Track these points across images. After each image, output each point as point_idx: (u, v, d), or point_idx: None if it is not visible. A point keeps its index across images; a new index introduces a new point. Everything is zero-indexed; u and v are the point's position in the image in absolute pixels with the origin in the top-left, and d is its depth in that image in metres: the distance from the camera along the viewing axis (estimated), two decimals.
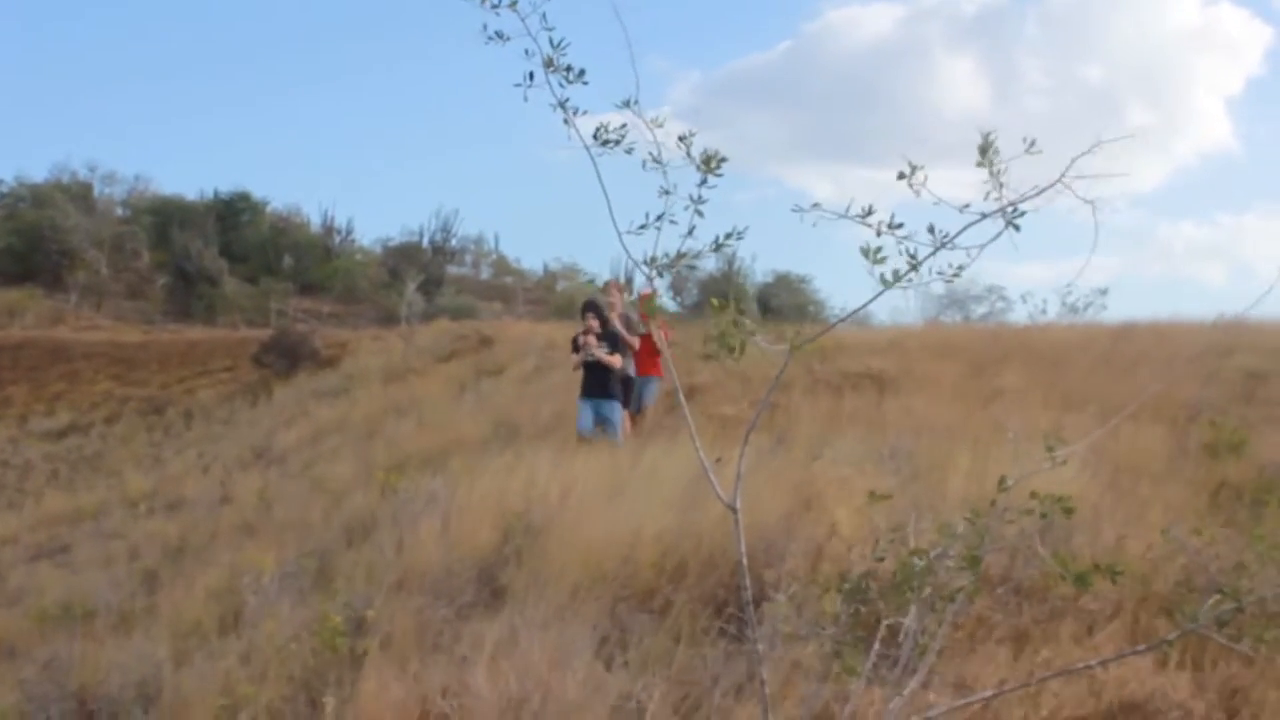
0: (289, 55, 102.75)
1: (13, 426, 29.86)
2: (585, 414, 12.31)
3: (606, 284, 13.54)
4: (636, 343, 12.83)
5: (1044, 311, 25.35)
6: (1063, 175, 3.51)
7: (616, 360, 12.30)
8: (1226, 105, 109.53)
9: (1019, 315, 28.00)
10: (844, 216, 3.62)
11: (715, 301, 3.72)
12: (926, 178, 3.57)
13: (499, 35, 3.79)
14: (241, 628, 7.51)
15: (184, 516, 15.82)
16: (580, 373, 12.58)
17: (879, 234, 3.59)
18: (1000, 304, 33.27)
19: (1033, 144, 3.53)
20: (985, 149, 3.58)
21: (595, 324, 12.41)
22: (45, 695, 7.22)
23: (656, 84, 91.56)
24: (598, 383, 12.33)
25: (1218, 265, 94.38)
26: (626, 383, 12.79)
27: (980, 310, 33.66)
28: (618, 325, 12.66)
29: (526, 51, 3.78)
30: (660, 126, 3.74)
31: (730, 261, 50.23)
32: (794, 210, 3.70)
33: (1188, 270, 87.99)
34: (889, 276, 3.58)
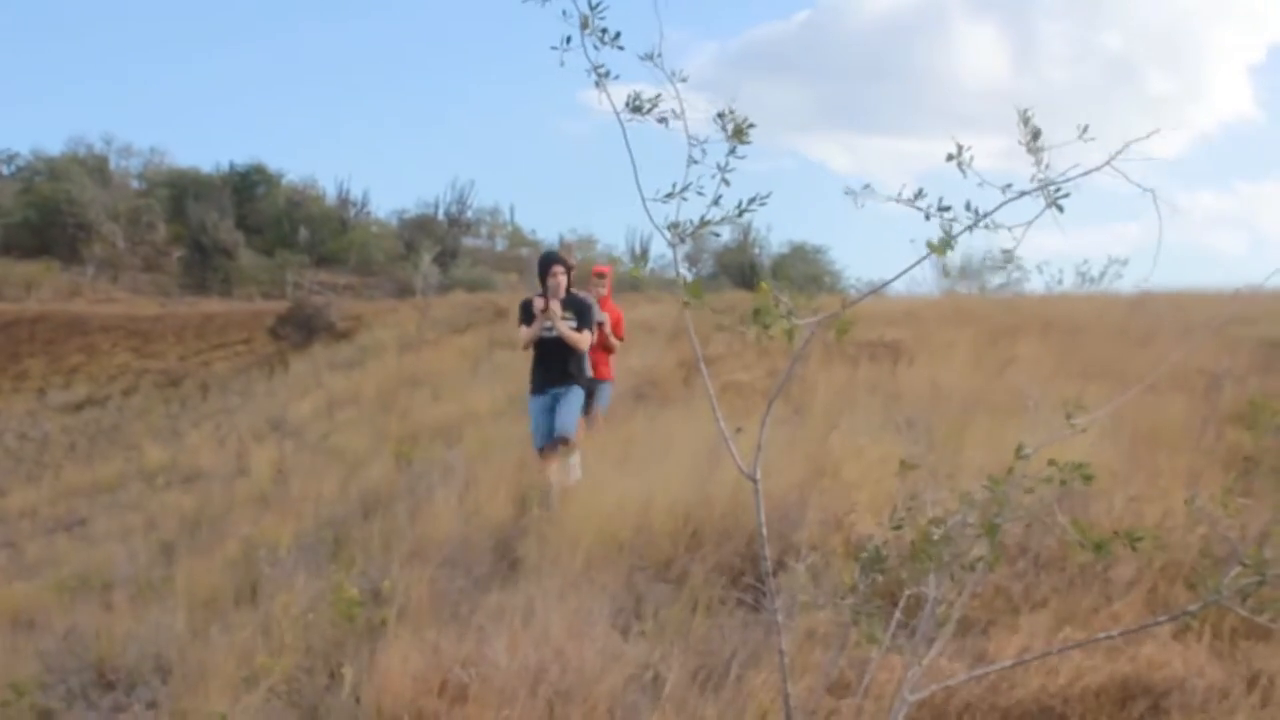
0: (303, 27, 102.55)
1: (31, 399, 29.98)
2: (541, 416, 9.14)
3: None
4: (593, 338, 9.66)
5: (1060, 281, 25.26)
6: (1112, 159, 3.49)
7: (585, 339, 9.17)
8: (1249, 73, 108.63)
9: (1036, 285, 27.86)
10: (895, 200, 3.61)
11: (764, 284, 3.68)
12: (973, 158, 3.55)
13: None
14: (258, 599, 7.54)
15: (201, 488, 15.88)
16: (529, 356, 9.41)
17: (928, 218, 3.58)
18: (1017, 274, 33.10)
19: (1085, 130, 3.51)
20: (1035, 135, 3.56)
21: (564, 280, 9.17)
22: (64, 666, 7.27)
23: (673, 55, 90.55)
24: (556, 368, 9.14)
25: (1237, 234, 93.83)
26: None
27: (997, 280, 33.50)
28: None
29: (564, 12, 3.78)
30: (684, 81, 3.73)
31: (746, 232, 50.20)
32: (846, 193, 3.70)
33: (1207, 239, 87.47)
34: (953, 272, 3.60)
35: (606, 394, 10.74)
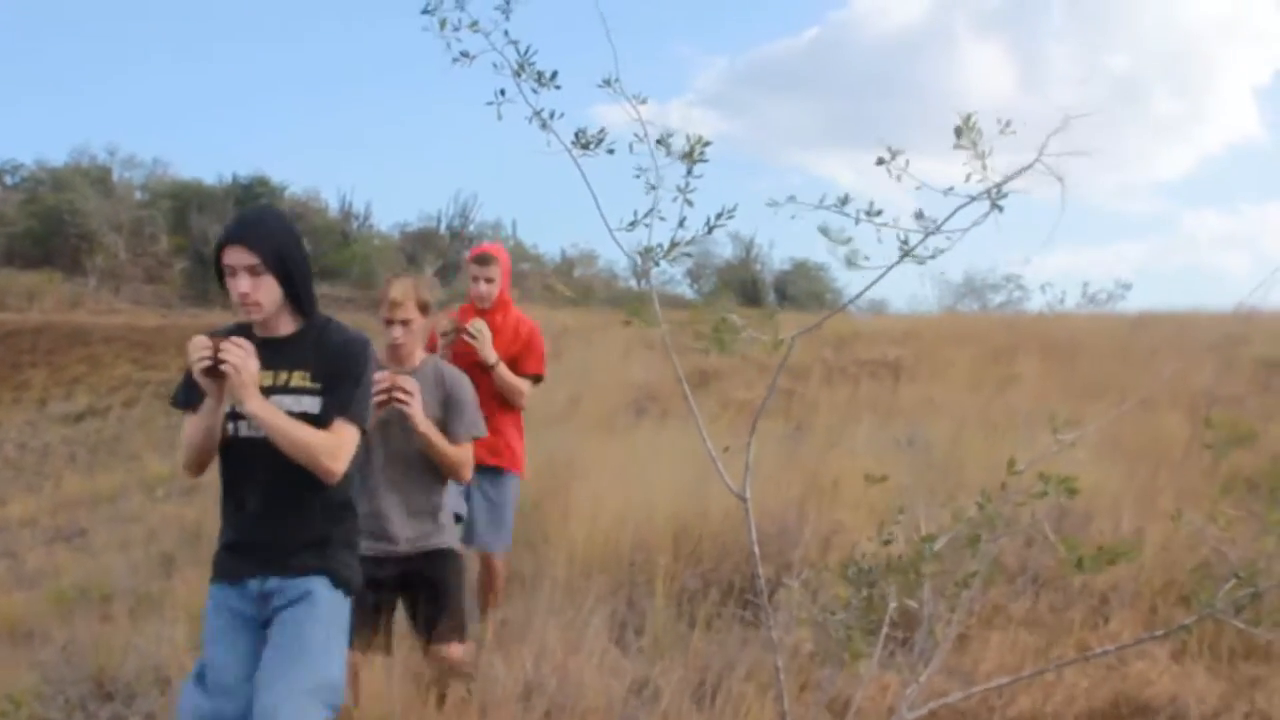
0: (308, 39, 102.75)
1: (31, 410, 29.97)
2: (221, 650, 3.57)
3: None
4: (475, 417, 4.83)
5: (1062, 301, 25.31)
6: (1040, 156, 3.52)
7: (341, 443, 3.52)
8: (1254, 95, 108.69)
9: (1037, 304, 27.86)
10: (819, 207, 3.67)
11: (698, 302, 3.72)
12: (908, 163, 3.58)
13: (465, 55, 3.81)
14: None
15: (201, 500, 15.83)
16: (217, 476, 3.74)
17: (856, 222, 3.64)
18: (1018, 293, 33.12)
19: (1008, 125, 3.54)
20: (964, 130, 3.59)
21: (265, 298, 3.56)
22: (63, 677, 7.25)
23: (682, 71, 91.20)
24: (269, 519, 3.59)
25: (1240, 255, 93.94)
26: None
27: (998, 299, 33.52)
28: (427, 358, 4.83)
29: (495, 65, 3.79)
30: (643, 104, 3.74)
31: (747, 249, 50.29)
32: (769, 205, 3.73)
33: (1210, 260, 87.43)
34: (855, 259, 3.65)
35: (506, 505, 5.92)
